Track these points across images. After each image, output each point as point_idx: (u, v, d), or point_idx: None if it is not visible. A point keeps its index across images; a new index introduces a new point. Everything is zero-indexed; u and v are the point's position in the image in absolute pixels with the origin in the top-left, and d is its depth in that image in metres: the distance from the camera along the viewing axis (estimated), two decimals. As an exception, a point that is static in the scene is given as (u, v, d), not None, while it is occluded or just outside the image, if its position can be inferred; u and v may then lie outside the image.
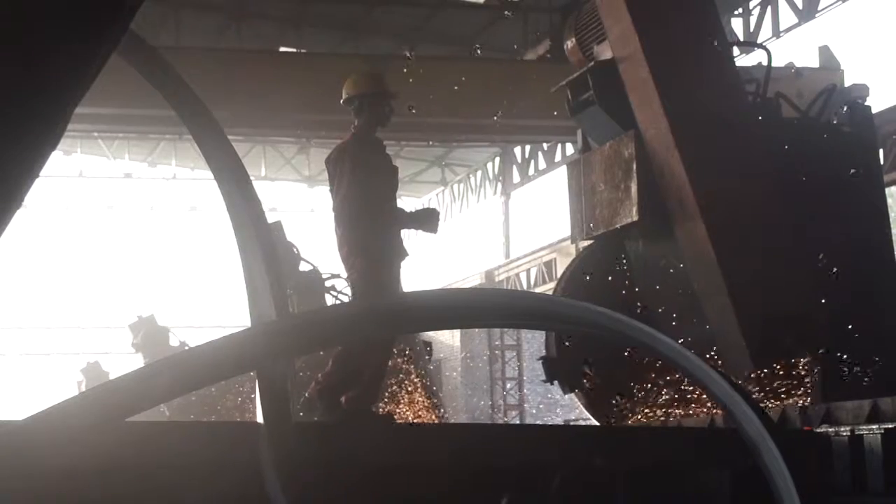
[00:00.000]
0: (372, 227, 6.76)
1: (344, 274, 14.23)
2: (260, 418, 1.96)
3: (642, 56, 8.28)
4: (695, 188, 8.07)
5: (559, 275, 13.25)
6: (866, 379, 7.83)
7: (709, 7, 8.76)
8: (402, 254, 6.96)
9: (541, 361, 9.50)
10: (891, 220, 9.28)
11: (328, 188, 7.24)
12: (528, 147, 25.13)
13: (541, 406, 23.97)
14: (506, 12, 18.84)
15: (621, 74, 8.61)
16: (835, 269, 8.22)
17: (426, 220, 7.25)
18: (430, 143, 22.44)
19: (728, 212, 8.03)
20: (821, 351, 8.00)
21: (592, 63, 8.97)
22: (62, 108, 1.17)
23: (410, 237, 7.77)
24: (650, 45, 8.30)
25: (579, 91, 9.14)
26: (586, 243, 9.84)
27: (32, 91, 1.13)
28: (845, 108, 9.21)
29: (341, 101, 7.25)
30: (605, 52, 8.92)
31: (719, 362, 7.95)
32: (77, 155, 24.99)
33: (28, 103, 1.13)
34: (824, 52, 17.03)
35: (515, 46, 20.50)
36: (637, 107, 8.52)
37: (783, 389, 8.13)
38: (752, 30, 17.92)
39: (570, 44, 9.65)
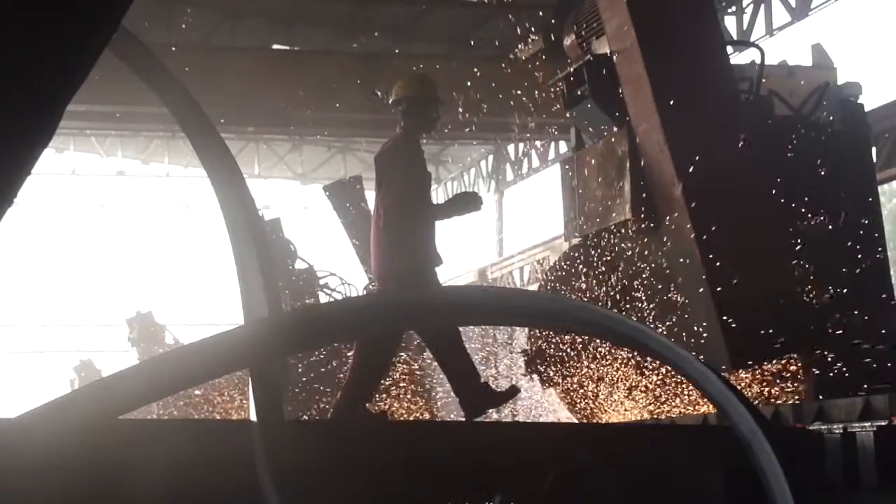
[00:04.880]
0: (420, 226, 6.86)
1: (338, 272, 14.17)
2: (253, 416, 1.95)
3: (638, 50, 8.28)
4: (683, 185, 8.07)
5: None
6: (858, 377, 7.84)
7: (707, 4, 8.76)
8: (438, 260, 7.04)
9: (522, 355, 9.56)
10: (883, 217, 9.29)
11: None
12: (521, 145, 25.12)
13: (534, 403, 23.95)
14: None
15: (616, 68, 8.61)
16: (826, 269, 8.23)
17: (466, 203, 7.32)
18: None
19: (715, 210, 8.03)
20: (814, 349, 8.01)
21: (589, 57, 8.98)
22: (54, 105, 1.17)
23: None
24: (646, 39, 8.30)
25: (575, 86, 9.15)
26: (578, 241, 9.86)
27: (24, 88, 1.12)
28: (838, 106, 9.22)
29: (389, 102, 7.33)
30: (602, 47, 8.93)
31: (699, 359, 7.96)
32: (70, 152, 24.94)
33: (20, 100, 1.13)
34: (817, 50, 16.99)
35: (508, 43, 20.48)
36: (630, 101, 8.53)
37: (776, 387, 8.14)
38: (745, 28, 17.92)
39: (568, 41, 9.65)
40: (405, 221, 6.84)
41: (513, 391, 7.07)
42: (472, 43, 20.14)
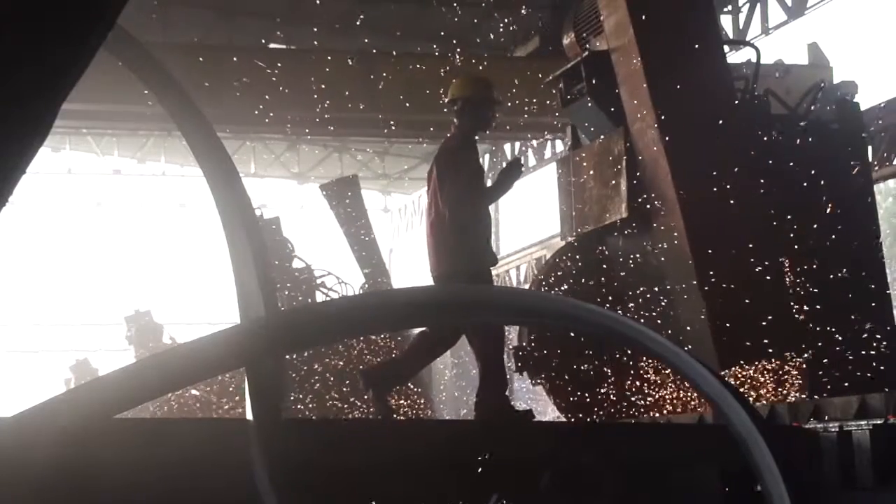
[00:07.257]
0: (477, 225, 6.94)
1: (335, 271, 14.17)
2: (249, 415, 1.95)
3: (635, 48, 8.28)
4: (676, 184, 8.07)
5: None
6: (854, 375, 7.85)
7: (706, 3, 8.77)
8: (494, 259, 7.14)
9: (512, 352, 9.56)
10: (879, 216, 9.30)
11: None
12: (517, 144, 25.12)
13: (531, 401, 23.95)
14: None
15: (614, 65, 8.61)
16: (822, 267, 8.23)
17: (511, 174, 7.39)
18: (420, 139, 22.42)
19: (708, 209, 8.02)
20: (808, 348, 8.02)
21: (587, 53, 8.98)
22: (50, 104, 1.17)
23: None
24: (644, 37, 8.30)
25: (572, 83, 9.15)
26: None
27: (20, 86, 1.12)
28: (834, 105, 9.23)
29: (446, 101, 7.38)
30: (601, 45, 8.93)
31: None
32: (66, 151, 24.91)
33: (15, 98, 1.13)
34: (813, 49, 17.03)
35: (503, 42, 20.49)
36: (627, 99, 8.53)
37: (772, 386, 8.14)
38: (741, 27, 17.93)
39: (567, 39, 9.65)
40: (464, 221, 6.93)
41: (529, 415, 7.11)
42: (471, 42, 20.14)
